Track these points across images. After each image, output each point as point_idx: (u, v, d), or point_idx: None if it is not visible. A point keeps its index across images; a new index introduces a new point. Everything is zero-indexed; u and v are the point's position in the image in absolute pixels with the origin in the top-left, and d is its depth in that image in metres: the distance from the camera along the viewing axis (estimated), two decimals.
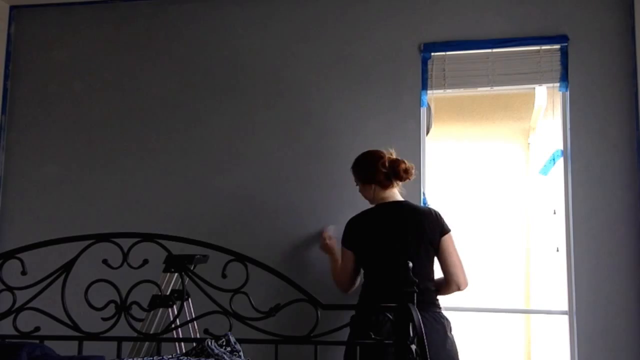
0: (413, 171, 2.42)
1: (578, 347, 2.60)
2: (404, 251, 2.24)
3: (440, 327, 2.20)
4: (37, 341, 1.75)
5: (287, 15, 3.03)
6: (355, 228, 2.40)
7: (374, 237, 2.34)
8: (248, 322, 1.78)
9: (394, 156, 2.45)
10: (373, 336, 1.79)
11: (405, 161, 2.41)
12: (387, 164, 2.39)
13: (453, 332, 2.28)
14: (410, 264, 1.89)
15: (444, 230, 2.33)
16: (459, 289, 2.33)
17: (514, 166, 3.21)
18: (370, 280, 2.35)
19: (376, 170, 2.39)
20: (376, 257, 2.32)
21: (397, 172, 2.37)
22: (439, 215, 2.36)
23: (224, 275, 1.74)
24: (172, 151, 3.04)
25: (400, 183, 2.44)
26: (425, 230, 2.29)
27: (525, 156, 3.22)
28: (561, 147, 2.77)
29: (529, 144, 3.21)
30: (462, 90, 2.90)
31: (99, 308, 1.74)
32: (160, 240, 1.76)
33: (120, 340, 1.85)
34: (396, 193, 2.42)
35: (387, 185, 2.40)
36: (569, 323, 2.65)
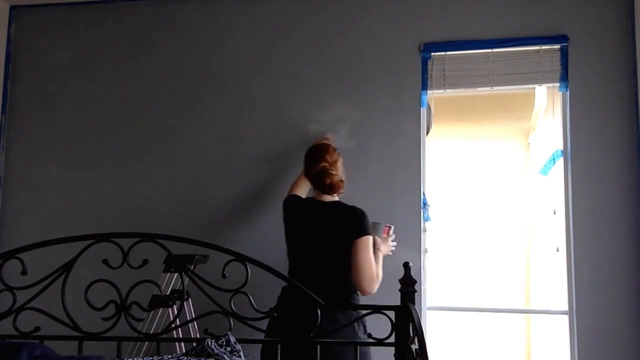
0: (341, 185, 2.31)
1: (578, 347, 2.60)
2: (327, 248, 2.23)
3: (349, 329, 2.07)
4: (37, 341, 1.75)
5: (287, 15, 3.03)
6: (292, 208, 2.41)
7: (304, 225, 2.32)
8: (248, 322, 1.78)
9: (331, 160, 2.37)
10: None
11: (334, 175, 2.30)
12: (315, 173, 2.34)
13: (366, 334, 2.14)
14: (411, 264, 1.90)
15: (364, 232, 2.23)
16: (362, 293, 2.22)
17: (514, 166, 3.21)
18: (293, 269, 2.34)
19: (309, 173, 2.39)
20: (301, 246, 2.32)
21: (321, 184, 2.30)
22: (365, 216, 2.26)
23: (224, 275, 1.74)
24: (172, 151, 3.04)
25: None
26: (348, 229, 2.22)
27: (525, 156, 3.21)
28: (561, 147, 2.77)
29: (529, 144, 3.21)
30: (462, 90, 2.90)
31: (99, 308, 1.74)
32: (160, 240, 1.76)
33: (120, 340, 1.85)
34: (329, 197, 2.35)
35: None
36: (569, 323, 2.65)
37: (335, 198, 2.36)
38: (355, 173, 2.85)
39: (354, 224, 2.23)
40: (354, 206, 2.30)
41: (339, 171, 2.39)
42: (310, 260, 2.27)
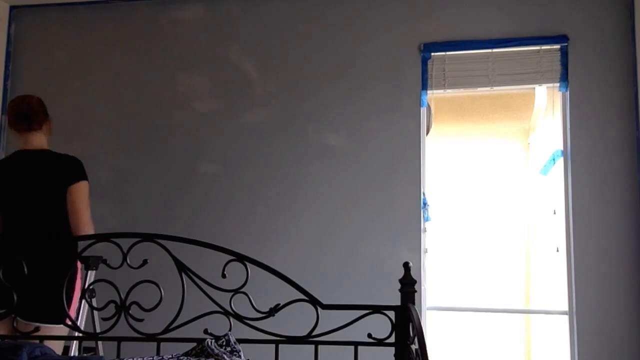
0: (42, 118, 2.29)
1: (578, 347, 2.60)
2: (39, 199, 2.20)
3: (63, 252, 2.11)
4: (37, 341, 1.75)
5: (288, 16, 3.03)
6: None
7: (10, 185, 2.24)
8: (248, 322, 1.78)
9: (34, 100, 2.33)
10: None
11: (22, 104, 2.27)
12: (12, 105, 2.29)
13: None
14: (411, 264, 1.90)
15: (79, 177, 2.25)
16: (77, 233, 2.24)
17: (514, 166, 3.21)
18: (7, 229, 2.24)
19: (8, 113, 2.31)
20: (13, 205, 2.23)
21: (16, 112, 2.26)
22: (79, 163, 2.28)
23: (223, 275, 1.74)
24: (173, 151, 3.04)
25: (40, 130, 2.30)
26: (64, 176, 2.23)
27: (525, 156, 3.21)
28: (561, 147, 2.77)
29: (529, 143, 3.21)
30: (462, 90, 2.91)
31: (99, 308, 1.74)
32: (160, 240, 1.76)
33: (120, 340, 1.85)
34: (37, 141, 2.30)
35: (21, 130, 2.28)
36: (569, 323, 2.65)
37: (45, 146, 2.32)
38: (355, 173, 2.85)
39: (69, 170, 2.24)
40: (66, 154, 2.30)
41: (41, 115, 2.33)
42: (28, 213, 2.20)
